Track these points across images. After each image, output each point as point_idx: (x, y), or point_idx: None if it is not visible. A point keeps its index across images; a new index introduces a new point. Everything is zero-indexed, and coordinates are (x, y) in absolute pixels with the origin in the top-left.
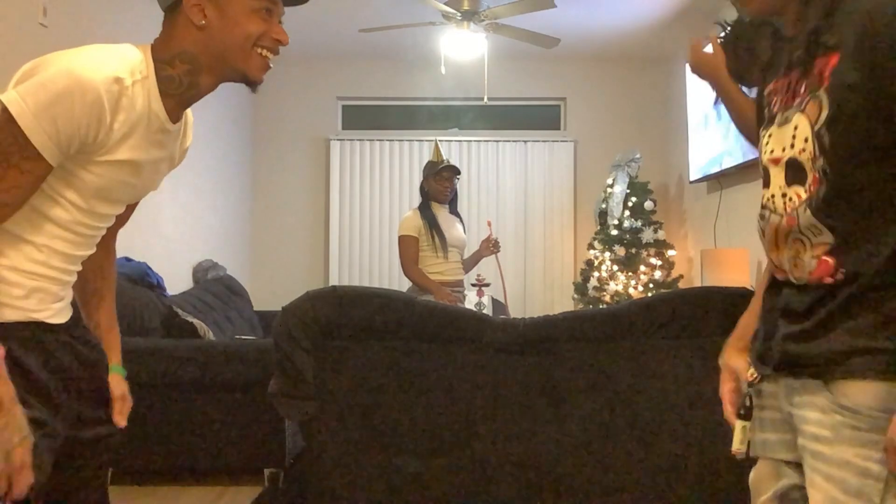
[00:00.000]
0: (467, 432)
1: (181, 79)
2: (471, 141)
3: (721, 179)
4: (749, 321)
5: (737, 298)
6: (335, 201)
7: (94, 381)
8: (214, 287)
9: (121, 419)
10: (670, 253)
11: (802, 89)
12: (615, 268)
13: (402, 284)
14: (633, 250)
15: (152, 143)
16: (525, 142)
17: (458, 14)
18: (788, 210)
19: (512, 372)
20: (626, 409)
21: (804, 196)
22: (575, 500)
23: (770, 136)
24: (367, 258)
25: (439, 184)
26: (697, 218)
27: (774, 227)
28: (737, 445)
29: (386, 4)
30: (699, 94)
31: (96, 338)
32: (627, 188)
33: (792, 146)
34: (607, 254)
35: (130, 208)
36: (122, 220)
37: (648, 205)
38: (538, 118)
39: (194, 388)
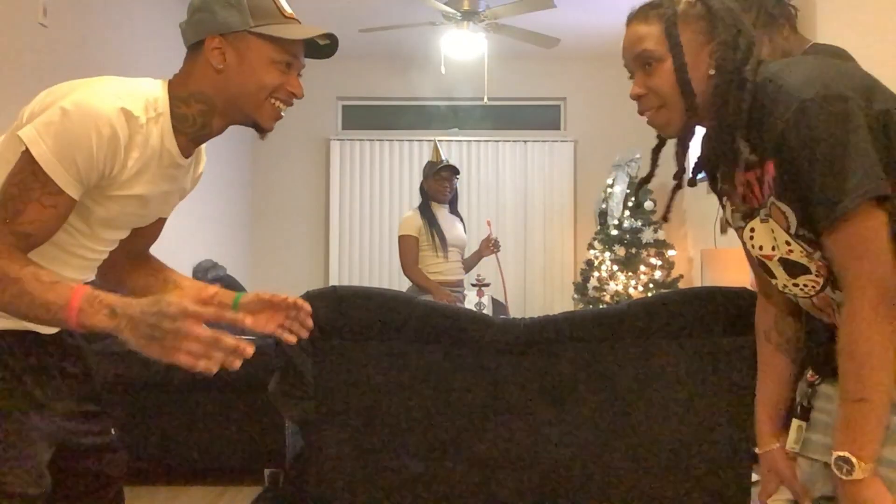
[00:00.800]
0: (467, 432)
1: (195, 118)
2: (471, 141)
3: None
4: (773, 389)
5: (737, 298)
6: (335, 201)
7: (85, 385)
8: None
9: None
10: (670, 253)
11: (757, 192)
12: (615, 268)
13: (402, 284)
14: (633, 250)
15: (164, 178)
16: (525, 142)
17: (458, 14)
18: (812, 293)
19: (512, 372)
20: (626, 408)
21: (820, 281)
22: (575, 500)
23: (753, 230)
24: (367, 258)
25: (438, 183)
26: (697, 218)
27: (808, 305)
28: (791, 444)
29: (386, 4)
30: None
31: (88, 346)
32: (627, 188)
33: (776, 248)
34: (607, 254)
35: (158, 226)
36: (151, 237)
37: (648, 205)
38: (538, 118)
39: (194, 388)
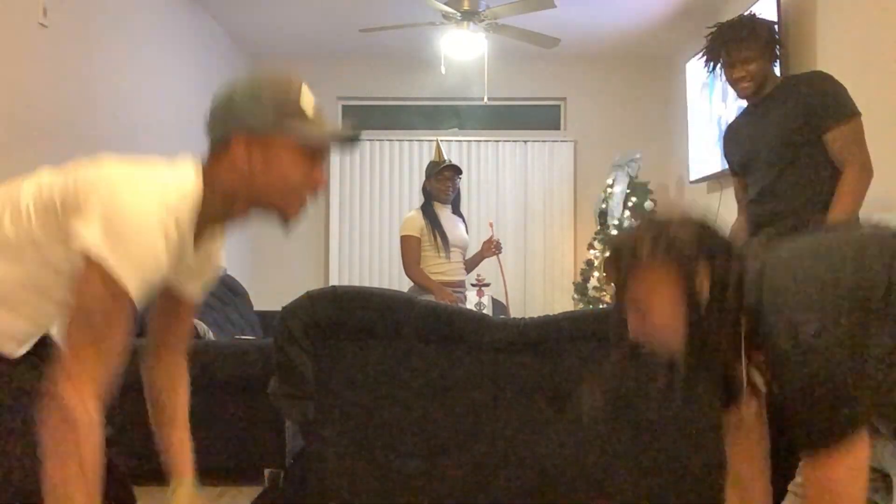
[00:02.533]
0: (467, 432)
1: (216, 212)
2: (471, 141)
3: (721, 179)
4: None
5: None
6: (335, 201)
7: None
8: (214, 287)
9: None
10: None
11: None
12: None
13: (402, 284)
14: None
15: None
16: (525, 142)
17: (458, 14)
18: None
19: (512, 372)
20: (626, 408)
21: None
22: (575, 499)
23: None
24: (367, 258)
25: (441, 183)
26: None
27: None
28: None
29: (386, 4)
30: (699, 94)
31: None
32: (627, 188)
33: None
34: (607, 254)
35: (188, 312)
36: (177, 321)
37: (648, 205)
38: (538, 118)
39: (194, 388)
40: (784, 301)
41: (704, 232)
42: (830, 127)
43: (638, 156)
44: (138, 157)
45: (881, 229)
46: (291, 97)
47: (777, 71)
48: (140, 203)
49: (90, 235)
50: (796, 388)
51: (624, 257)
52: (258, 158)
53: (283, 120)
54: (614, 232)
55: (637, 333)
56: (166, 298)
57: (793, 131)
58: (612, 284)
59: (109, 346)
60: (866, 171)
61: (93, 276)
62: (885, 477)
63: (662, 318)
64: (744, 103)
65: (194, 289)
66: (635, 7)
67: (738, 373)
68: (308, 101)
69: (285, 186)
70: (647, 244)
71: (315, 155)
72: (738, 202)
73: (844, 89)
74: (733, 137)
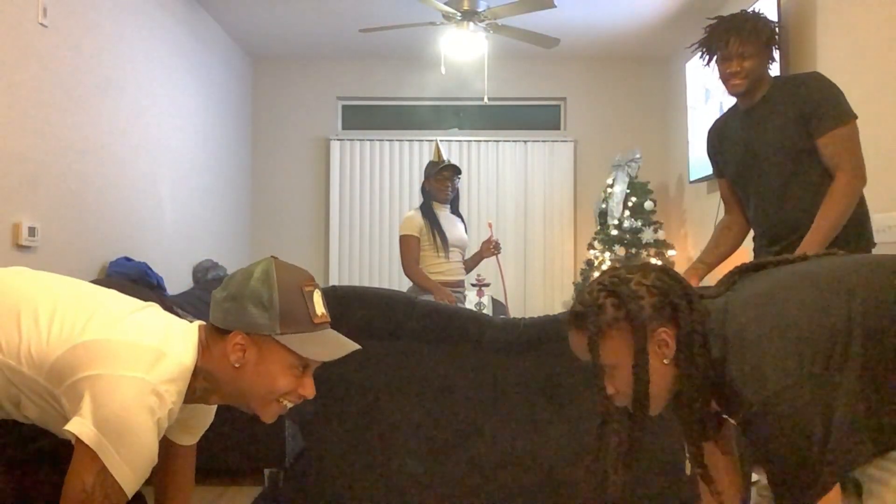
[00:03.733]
0: (467, 432)
1: (196, 391)
2: (471, 141)
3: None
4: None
5: None
6: (335, 201)
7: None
8: (214, 287)
9: None
10: (670, 253)
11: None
12: None
13: (402, 284)
14: (633, 250)
15: None
16: (525, 142)
17: (458, 14)
18: None
19: (512, 372)
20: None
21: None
22: (575, 499)
23: None
24: (367, 258)
25: (440, 183)
26: (697, 218)
27: None
28: None
29: (386, 4)
30: (699, 94)
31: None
32: (627, 188)
33: None
34: (607, 254)
35: (188, 453)
36: (189, 462)
37: (648, 205)
38: (538, 118)
39: None
40: (748, 352)
41: (665, 286)
42: (823, 132)
43: (638, 156)
44: (140, 321)
45: (842, 262)
46: (301, 310)
47: (777, 70)
48: (138, 401)
49: (87, 428)
50: (767, 444)
51: (587, 326)
52: (251, 357)
53: (287, 329)
54: (614, 232)
55: (613, 394)
56: (163, 449)
57: (793, 140)
58: (574, 350)
59: None
60: (858, 178)
61: (89, 468)
62: (857, 486)
63: (630, 379)
64: (732, 100)
65: (188, 439)
66: (635, 7)
67: (710, 416)
68: (318, 310)
69: (270, 390)
70: (610, 310)
71: (307, 362)
72: (725, 203)
73: (839, 92)
74: (723, 140)
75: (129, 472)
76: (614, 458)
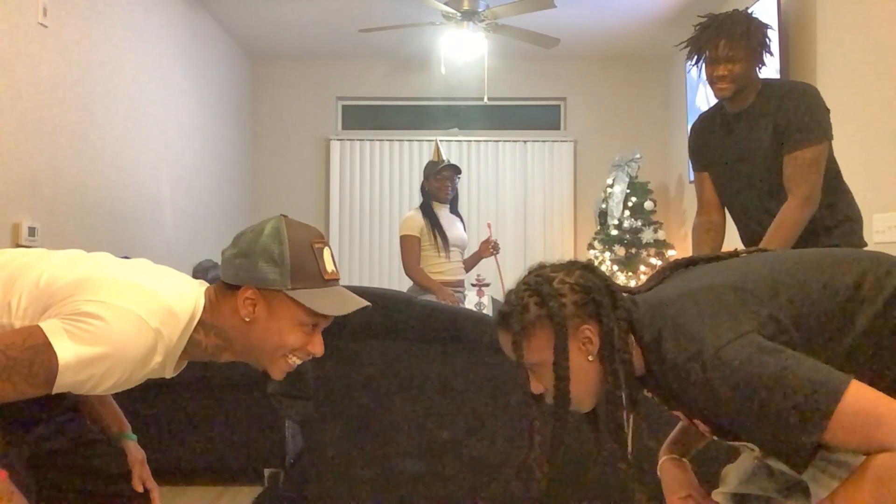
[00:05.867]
0: (467, 432)
1: (206, 348)
2: (471, 141)
3: None
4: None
5: None
6: (335, 201)
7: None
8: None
9: (138, 484)
10: (670, 253)
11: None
12: (615, 268)
13: (402, 284)
14: (633, 250)
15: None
16: (525, 142)
17: (458, 14)
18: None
19: (511, 372)
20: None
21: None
22: (575, 500)
23: None
24: (367, 258)
25: (440, 183)
26: None
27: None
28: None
29: (386, 4)
30: (699, 93)
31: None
32: (627, 188)
33: None
34: (607, 254)
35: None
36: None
37: (648, 205)
38: (538, 118)
39: (194, 388)
40: (684, 326)
41: (588, 283)
42: (788, 151)
43: (638, 156)
44: (146, 269)
45: (773, 256)
46: (311, 265)
47: (777, 71)
48: (119, 324)
49: (60, 326)
50: (731, 414)
51: (512, 325)
52: (262, 312)
53: (297, 284)
54: (614, 232)
55: (540, 392)
56: None
57: (775, 154)
58: (504, 350)
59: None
60: (808, 205)
61: (37, 347)
62: (805, 489)
63: (552, 376)
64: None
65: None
66: (635, 7)
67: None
68: (328, 267)
69: (280, 346)
70: (532, 309)
71: (318, 319)
72: (700, 201)
73: (819, 110)
74: (706, 142)
75: (69, 369)
76: (538, 455)
